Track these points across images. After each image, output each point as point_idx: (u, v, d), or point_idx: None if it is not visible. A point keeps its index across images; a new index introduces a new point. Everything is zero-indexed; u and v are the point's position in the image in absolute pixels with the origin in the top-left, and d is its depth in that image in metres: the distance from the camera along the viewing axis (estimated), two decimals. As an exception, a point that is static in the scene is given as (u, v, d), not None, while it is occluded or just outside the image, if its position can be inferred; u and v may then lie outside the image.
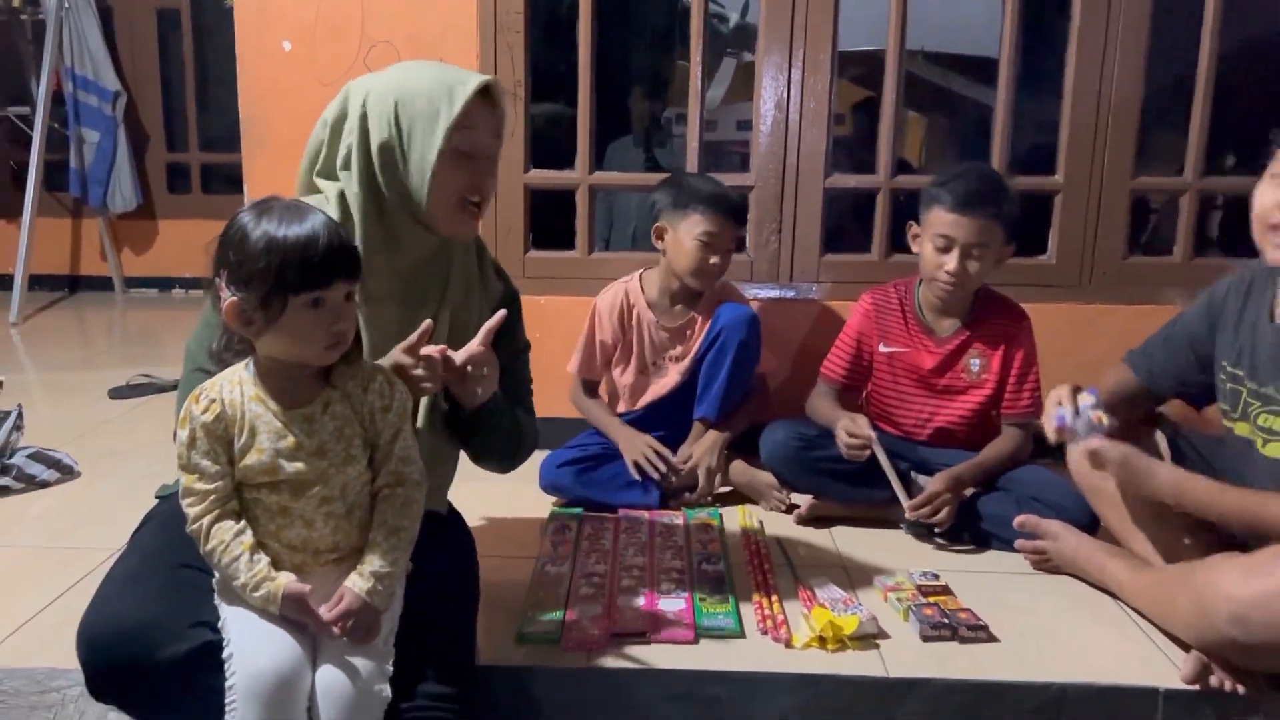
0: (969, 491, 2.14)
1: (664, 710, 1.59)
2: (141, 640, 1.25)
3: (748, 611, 1.77)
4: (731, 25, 4.75)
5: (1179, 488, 1.68)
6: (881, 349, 2.29)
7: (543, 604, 1.77)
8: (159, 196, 5.30)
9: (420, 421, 1.52)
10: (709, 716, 1.59)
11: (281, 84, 2.66)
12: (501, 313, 1.51)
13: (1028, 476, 2.13)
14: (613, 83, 3.67)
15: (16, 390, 3.10)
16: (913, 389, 2.27)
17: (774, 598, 1.81)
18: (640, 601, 1.79)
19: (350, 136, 1.51)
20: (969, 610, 1.76)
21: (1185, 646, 1.62)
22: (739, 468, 2.36)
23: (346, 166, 1.52)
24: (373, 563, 1.31)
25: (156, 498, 1.61)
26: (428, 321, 1.46)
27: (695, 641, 1.67)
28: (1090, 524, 1.97)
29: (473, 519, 1.80)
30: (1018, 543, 1.99)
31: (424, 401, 1.53)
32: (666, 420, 2.38)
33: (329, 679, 1.27)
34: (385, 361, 1.43)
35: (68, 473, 2.42)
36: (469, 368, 1.47)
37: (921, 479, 2.16)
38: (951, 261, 2.11)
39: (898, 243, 2.52)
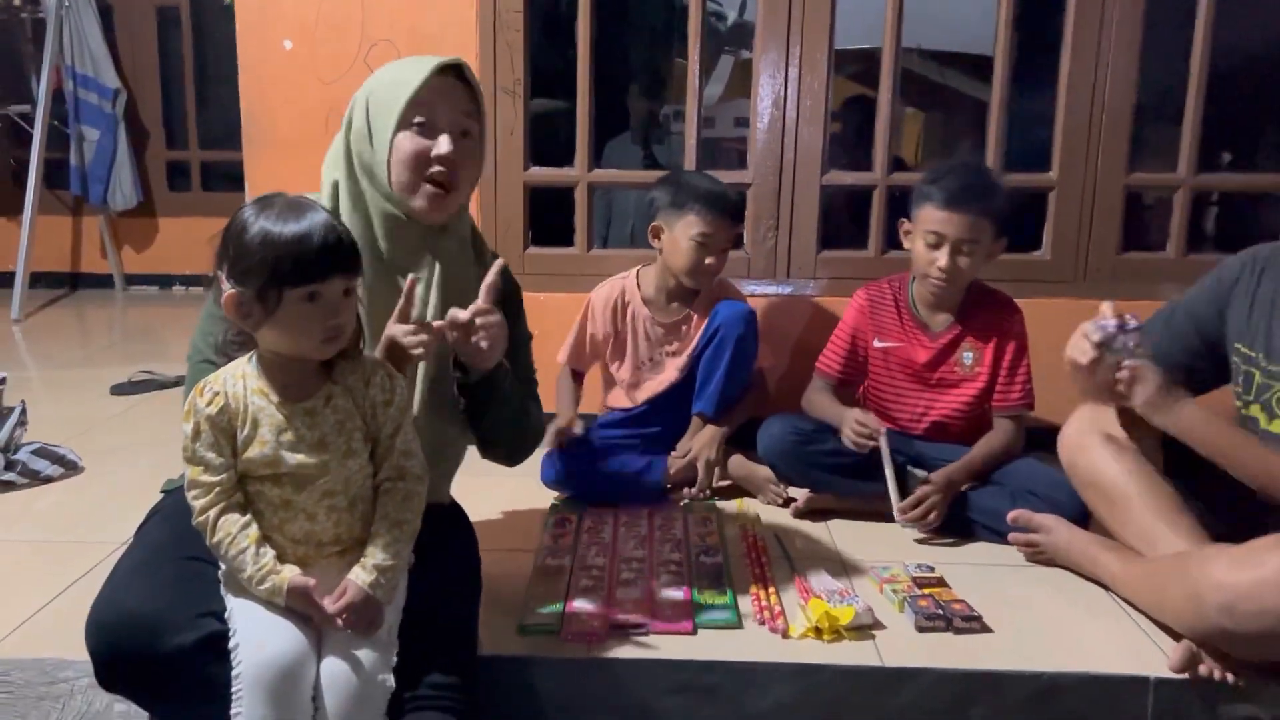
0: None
1: (663, 700, 1.61)
2: (150, 630, 1.27)
3: (745, 603, 1.79)
4: (729, 23, 4.77)
5: (1204, 426, 1.68)
6: (876, 344, 2.31)
7: (543, 596, 1.79)
8: (159, 194, 5.31)
9: (418, 408, 1.53)
10: (707, 706, 1.61)
11: (282, 82, 2.68)
12: (499, 263, 1.53)
13: (1021, 470, 2.16)
14: (611, 80, 3.69)
15: (19, 387, 3.11)
16: (907, 383, 2.29)
17: (771, 589, 1.83)
18: (639, 593, 1.81)
19: (341, 132, 1.57)
20: (963, 602, 1.78)
21: (1176, 636, 1.64)
22: (737, 462, 2.38)
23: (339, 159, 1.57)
24: (375, 555, 1.33)
25: (162, 492, 1.64)
26: (411, 277, 1.48)
27: (694, 632, 1.69)
28: (1082, 517, 1.99)
29: (474, 513, 1.81)
30: (1011, 536, 2.02)
31: (425, 389, 1.55)
32: (665, 416, 2.40)
33: (334, 669, 1.30)
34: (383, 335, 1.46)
35: (72, 468, 2.45)
36: (476, 321, 1.48)
37: (918, 472, 2.18)
38: (943, 258, 2.13)
39: (894, 239, 2.54)
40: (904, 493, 2.13)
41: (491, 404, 1.60)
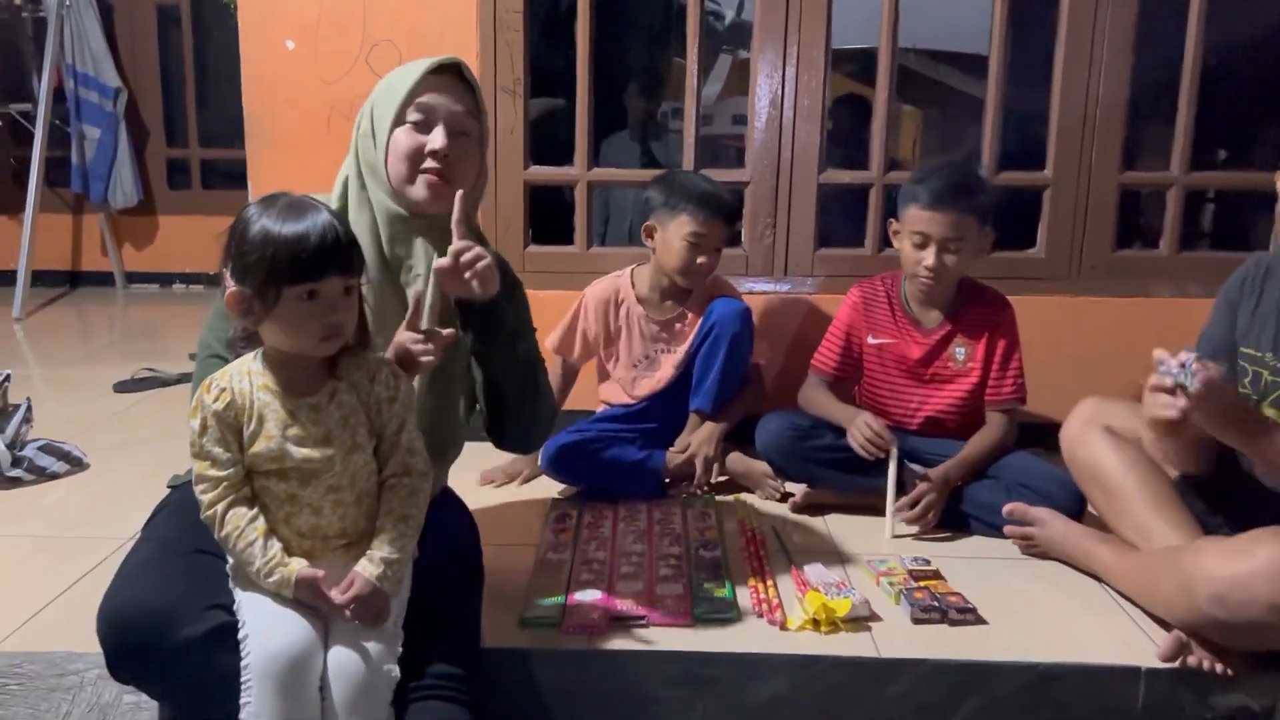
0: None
1: (662, 691, 1.64)
2: (160, 621, 1.29)
3: (744, 595, 1.81)
4: (727, 22, 4.80)
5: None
6: (870, 341, 2.34)
7: (544, 590, 1.82)
8: (159, 192, 5.32)
9: (420, 397, 1.55)
10: (706, 697, 1.64)
11: (285, 82, 2.69)
12: (459, 195, 1.52)
13: (1016, 464, 2.18)
14: (609, 79, 3.71)
15: (22, 385, 3.13)
16: (902, 379, 2.32)
17: (769, 582, 1.86)
18: (639, 586, 1.83)
19: (353, 135, 1.61)
20: (959, 594, 1.81)
21: (1168, 628, 1.66)
22: (735, 458, 2.40)
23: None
24: (382, 549, 1.36)
25: (169, 487, 1.66)
26: (416, 289, 1.51)
27: (693, 625, 1.71)
28: (1077, 510, 2.02)
29: (476, 508, 1.84)
30: (1006, 529, 2.04)
31: (427, 379, 1.57)
32: (663, 413, 2.42)
33: (340, 659, 1.32)
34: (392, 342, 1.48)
35: (77, 464, 2.47)
36: (461, 260, 1.48)
37: (915, 468, 2.21)
38: (929, 257, 2.16)
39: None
40: (901, 492, 2.15)
41: (498, 343, 1.60)
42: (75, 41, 4.85)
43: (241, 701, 1.29)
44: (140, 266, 5.34)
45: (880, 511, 2.16)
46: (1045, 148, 2.68)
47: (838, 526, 2.19)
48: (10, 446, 2.38)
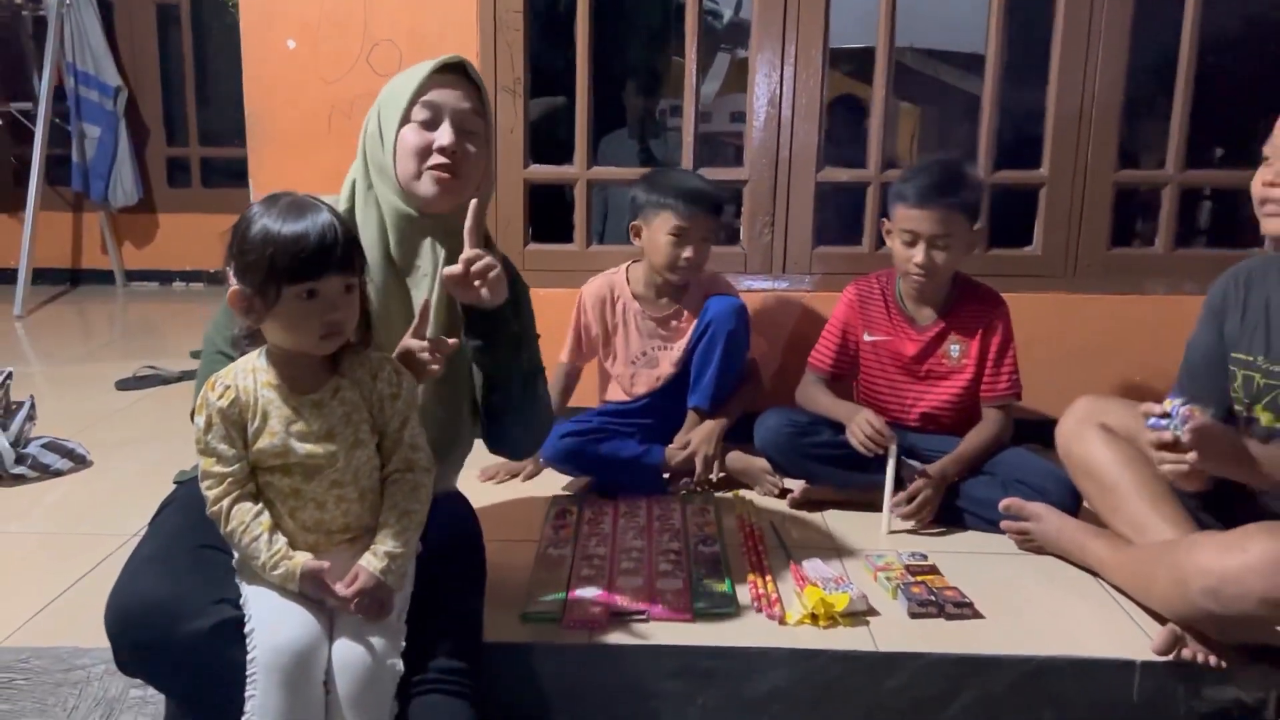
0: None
1: (662, 685, 1.65)
2: (168, 615, 1.31)
3: (743, 590, 1.83)
4: (725, 21, 4.82)
5: (1269, 462, 1.67)
6: (866, 338, 2.35)
7: (545, 585, 1.84)
8: (159, 190, 5.33)
9: (426, 400, 1.56)
10: (706, 690, 1.65)
11: (286, 81, 2.71)
12: (473, 204, 1.54)
13: (1012, 460, 2.20)
14: (608, 77, 3.72)
15: (24, 382, 3.14)
16: (898, 376, 2.34)
17: (768, 577, 1.87)
18: (639, 582, 1.85)
19: (360, 139, 1.63)
20: (955, 589, 1.83)
21: (1163, 621, 1.68)
22: (734, 456, 2.42)
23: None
24: (386, 543, 1.37)
25: (174, 483, 1.67)
26: (425, 299, 1.53)
27: (692, 619, 1.73)
28: (1072, 506, 2.03)
29: (478, 504, 1.85)
30: (1002, 524, 2.06)
31: (433, 382, 1.58)
32: (662, 410, 2.44)
33: (345, 652, 1.34)
34: (398, 347, 1.50)
35: (80, 462, 2.48)
36: (472, 269, 1.50)
37: (913, 463, 2.22)
38: (919, 254, 2.18)
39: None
40: (898, 488, 2.17)
41: (500, 350, 1.61)
42: (75, 40, 4.86)
43: (247, 694, 1.30)
44: (140, 265, 5.36)
45: (877, 507, 2.18)
46: (1041, 146, 2.69)
47: (836, 522, 2.21)
48: (14, 444, 2.39)
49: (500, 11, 2.64)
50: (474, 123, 1.60)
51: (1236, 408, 1.84)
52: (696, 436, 2.36)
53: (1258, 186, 1.72)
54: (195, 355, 3.58)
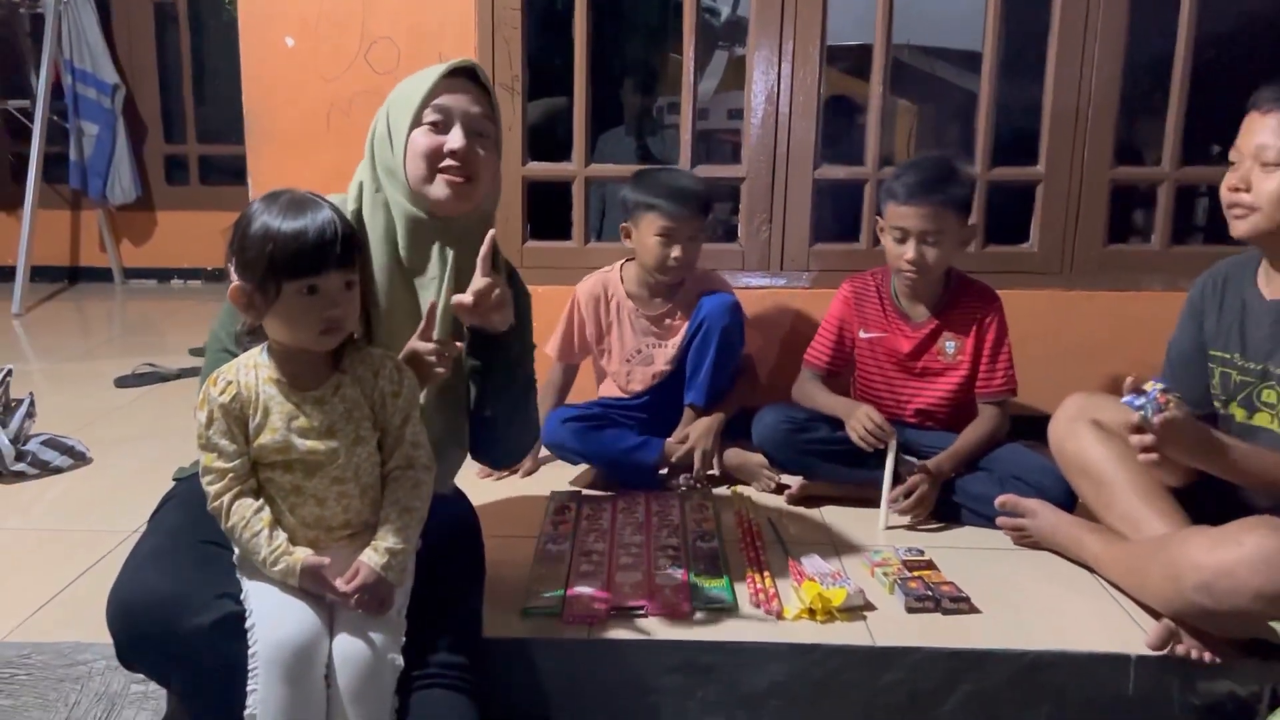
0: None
1: (661, 679, 1.66)
2: (170, 610, 1.32)
3: (741, 586, 1.84)
4: (723, 18, 4.82)
5: (1253, 457, 1.71)
6: (862, 335, 2.37)
7: (545, 580, 1.84)
8: (157, 188, 5.31)
9: (427, 401, 1.57)
10: (704, 684, 1.66)
11: (285, 79, 2.71)
12: (491, 233, 1.56)
13: (1008, 456, 2.21)
14: (606, 75, 3.73)
15: (22, 380, 3.13)
16: (894, 373, 2.35)
17: (766, 573, 1.88)
18: (638, 577, 1.86)
19: (366, 144, 1.63)
20: (952, 584, 1.84)
21: (1157, 616, 1.69)
22: (732, 452, 2.42)
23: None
24: (387, 539, 1.38)
25: (174, 479, 1.68)
26: (431, 301, 1.54)
27: (691, 614, 1.74)
28: (1068, 502, 2.04)
29: (477, 501, 1.87)
30: (999, 520, 2.07)
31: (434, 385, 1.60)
32: (658, 407, 2.45)
33: (346, 647, 1.35)
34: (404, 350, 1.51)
35: (80, 459, 2.49)
36: (478, 299, 1.52)
37: (911, 459, 2.23)
38: (910, 250, 2.19)
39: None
40: (896, 484, 2.18)
41: (498, 367, 1.62)
42: (73, 38, 4.85)
43: (248, 689, 1.31)
44: (138, 262, 5.35)
45: (874, 503, 2.19)
46: (1038, 142, 2.70)
47: (833, 518, 2.22)
48: (14, 441, 2.40)
49: (498, 9, 2.64)
50: (485, 126, 1.61)
51: (1215, 404, 1.86)
52: (694, 432, 2.37)
53: (1224, 191, 1.76)
54: (194, 353, 3.60)
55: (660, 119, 4.52)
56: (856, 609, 1.76)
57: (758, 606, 1.78)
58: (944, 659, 1.66)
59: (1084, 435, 1.95)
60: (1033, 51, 2.72)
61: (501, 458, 1.84)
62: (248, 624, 1.34)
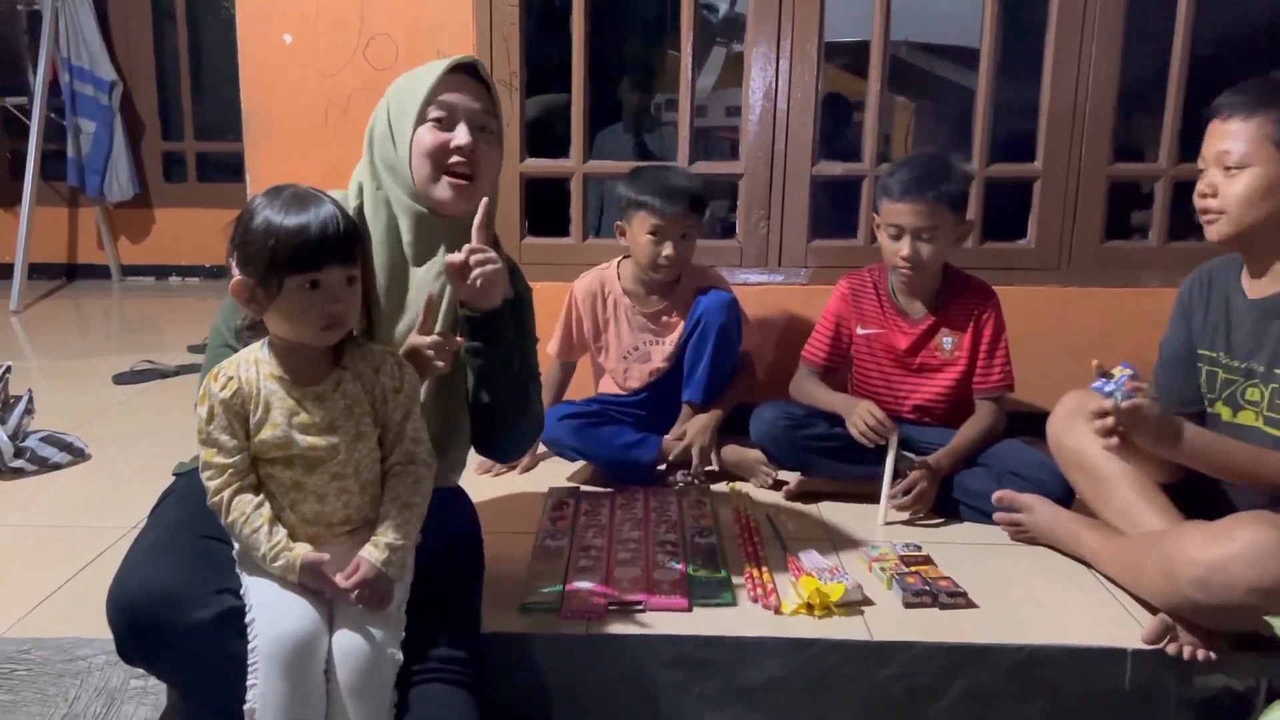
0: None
1: (659, 674, 1.67)
2: (170, 604, 1.32)
3: (739, 581, 1.84)
4: (721, 15, 4.82)
5: (1211, 445, 1.73)
6: (859, 331, 2.37)
7: (543, 576, 1.85)
8: (155, 185, 5.33)
9: (427, 396, 1.58)
10: (703, 679, 1.67)
11: (283, 76, 2.71)
12: (486, 201, 1.55)
13: (1006, 452, 2.22)
14: (604, 71, 3.73)
15: (21, 377, 3.12)
16: (892, 369, 2.35)
17: (764, 568, 1.89)
18: (636, 572, 1.86)
19: (365, 143, 1.63)
20: (949, 579, 1.84)
21: (1153, 610, 1.70)
22: (730, 449, 2.43)
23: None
24: (387, 534, 1.38)
25: (174, 475, 1.68)
26: (429, 292, 1.54)
27: (689, 609, 1.74)
28: (1065, 497, 2.05)
29: (476, 498, 1.86)
30: (996, 515, 2.08)
31: (434, 379, 1.60)
32: (655, 404, 2.45)
33: (345, 642, 1.35)
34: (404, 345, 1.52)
35: (79, 455, 2.49)
36: (471, 260, 1.51)
37: (909, 455, 2.24)
38: (905, 247, 2.20)
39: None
40: (895, 480, 2.19)
41: (494, 354, 1.61)
42: (70, 35, 4.85)
43: (248, 684, 1.32)
44: (136, 259, 5.36)
45: (872, 499, 2.19)
46: (1035, 139, 2.70)
47: (831, 513, 2.22)
48: (12, 438, 2.40)
49: (496, 5, 2.64)
50: (488, 121, 1.61)
51: (1206, 408, 1.87)
52: (692, 428, 2.37)
53: (1195, 198, 1.79)
54: (192, 349, 3.60)
55: (658, 116, 4.53)
56: (854, 604, 1.77)
57: (756, 601, 1.78)
58: (941, 654, 1.66)
59: (1081, 431, 1.95)
60: (1030, 48, 2.72)
61: (504, 450, 1.84)
62: (247, 619, 1.34)
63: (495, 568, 1.76)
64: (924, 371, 2.33)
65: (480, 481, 2.34)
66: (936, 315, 2.31)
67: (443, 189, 1.57)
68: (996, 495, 2.07)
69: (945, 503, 2.20)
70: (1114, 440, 1.69)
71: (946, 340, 2.30)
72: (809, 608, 1.74)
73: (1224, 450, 1.74)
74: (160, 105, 5.33)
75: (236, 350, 1.42)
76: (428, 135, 1.56)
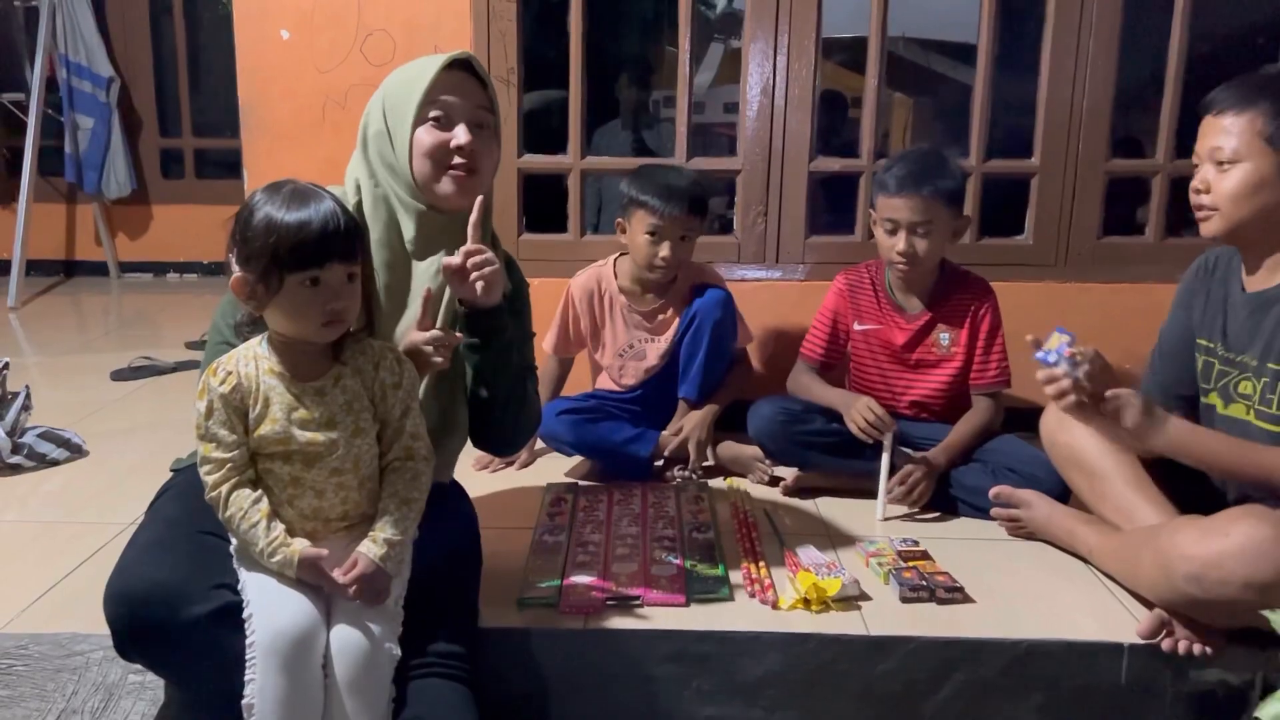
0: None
1: (657, 669, 1.67)
2: (168, 600, 1.32)
3: (736, 576, 1.85)
4: (719, 11, 4.83)
5: (1194, 438, 1.73)
6: (856, 327, 2.38)
7: (541, 571, 1.85)
8: (153, 181, 5.32)
9: (425, 391, 1.58)
10: (700, 674, 1.67)
11: (280, 71, 2.71)
12: (481, 199, 1.56)
13: (1002, 448, 2.22)
14: (602, 67, 3.73)
15: (19, 373, 3.13)
16: (889, 365, 2.36)
17: (761, 563, 1.89)
18: (634, 568, 1.87)
19: (358, 140, 1.63)
20: (946, 574, 1.85)
21: (1150, 605, 1.71)
22: (726, 444, 2.44)
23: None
24: (385, 530, 1.39)
25: (171, 470, 1.68)
26: (427, 288, 1.54)
27: (686, 604, 1.75)
28: (1062, 493, 2.05)
29: (474, 493, 1.87)
30: (993, 511, 2.08)
31: (433, 374, 1.60)
32: (652, 400, 2.46)
33: (343, 637, 1.35)
34: (404, 341, 1.52)
35: (77, 451, 2.49)
36: (469, 262, 1.51)
37: (906, 451, 2.24)
38: (900, 242, 2.20)
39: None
40: (892, 475, 2.19)
41: (493, 349, 1.61)
42: (68, 31, 4.85)
43: (246, 679, 1.32)
44: (134, 256, 5.35)
45: (869, 494, 2.20)
46: (1033, 135, 2.71)
47: (828, 509, 2.23)
48: (10, 434, 2.40)
49: (493, 1, 2.64)
50: (485, 118, 1.61)
51: (1201, 398, 1.87)
52: (688, 423, 2.38)
53: (1190, 194, 1.79)
54: (190, 346, 3.60)
55: (656, 112, 4.53)
56: (851, 599, 1.77)
57: (753, 596, 1.78)
58: (938, 648, 1.67)
59: (1076, 428, 1.95)
60: (1028, 44, 2.72)
61: (503, 444, 1.84)
62: (245, 614, 1.34)
63: (493, 563, 1.77)
64: (921, 367, 2.33)
65: (478, 477, 2.34)
66: (933, 311, 2.31)
67: (444, 187, 1.58)
68: (993, 491, 2.08)
69: (942, 498, 2.20)
70: (1070, 399, 1.68)
71: (944, 336, 2.30)
72: (806, 603, 1.74)
73: (1208, 446, 1.73)
74: (158, 101, 5.32)
75: (236, 346, 1.42)
76: (427, 135, 1.56)
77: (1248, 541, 1.49)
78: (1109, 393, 1.68)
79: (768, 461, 2.36)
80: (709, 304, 2.38)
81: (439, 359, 1.52)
